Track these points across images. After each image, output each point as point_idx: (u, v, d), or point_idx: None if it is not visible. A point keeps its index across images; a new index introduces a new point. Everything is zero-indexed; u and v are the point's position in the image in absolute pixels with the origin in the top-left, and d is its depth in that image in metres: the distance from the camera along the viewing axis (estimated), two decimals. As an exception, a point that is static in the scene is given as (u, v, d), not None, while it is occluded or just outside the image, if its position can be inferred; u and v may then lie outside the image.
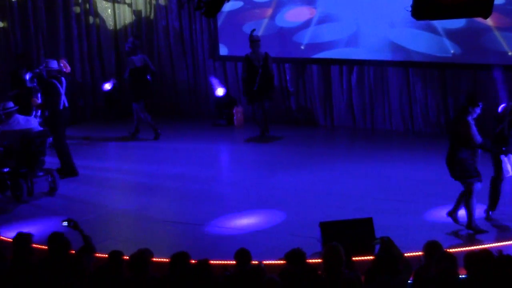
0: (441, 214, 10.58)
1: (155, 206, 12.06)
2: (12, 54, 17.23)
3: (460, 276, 6.87)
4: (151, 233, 10.81)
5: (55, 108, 13.34)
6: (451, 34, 14.63)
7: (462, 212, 10.22)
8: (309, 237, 9.79)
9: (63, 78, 13.48)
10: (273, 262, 8.72)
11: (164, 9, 17.76)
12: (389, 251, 7.22)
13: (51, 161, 13.38)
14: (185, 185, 12.86)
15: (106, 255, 7.56)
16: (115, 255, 7.42)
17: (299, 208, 11.42)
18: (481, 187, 10.06)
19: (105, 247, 8.74)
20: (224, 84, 17.21)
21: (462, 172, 9.97)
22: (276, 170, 13.44)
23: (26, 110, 14.02)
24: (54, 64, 13.52)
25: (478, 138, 9.86)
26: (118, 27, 18.09)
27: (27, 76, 14.67)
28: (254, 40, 15.17)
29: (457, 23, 14.37)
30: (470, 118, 9.86)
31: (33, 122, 12.83)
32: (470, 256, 6.95)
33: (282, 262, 7.72)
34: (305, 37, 16.09)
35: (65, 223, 8.15)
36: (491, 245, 9.29)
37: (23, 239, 7.75)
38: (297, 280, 7.00)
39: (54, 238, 7.77)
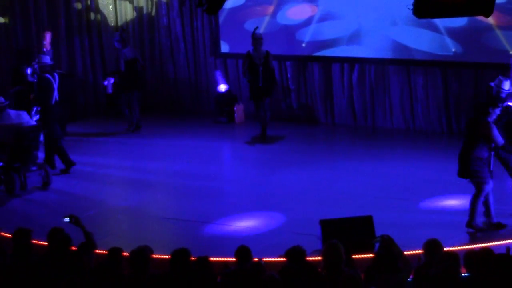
0: (441, 212, 10.57)
1: (156, 203, 12.07)
2: (13, 50, 17.20)
3: (461, 274, 6.87)
4: (151, 230, 10.82)
5: (46, 103, 13.32)
6: (453, 33, 14.62)
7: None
8: (309, 234, 9.77)
9: (56, 74, 13.51)
10: (273, 259, 8.72)
11: (166, 6, 17.74)
12: (389, 249, 7.21)
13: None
14: (186, 182, 12.86)
15: (106, 252, 7.56)
16: (115, 251, 7.42)
17: (300, 206, 11.41)
18: (492, 187, 10.02)
19: (105, 244, 8.70)
20: (226, 81, 17.18)
21: (474, 171, 9.93)
22: (277, 167, 13.43)
23: (27, 106, 14.01)
24: (47, 59, 13.54)
25: (500, 140, 9.85)
26: (119, 23, 18.06)
27: (28, 71, 14.68)
28: (256, 38, 15.11)
29: (459, 22, 14.36)
30: (490, 119, 9.85)
31: (25, 117, 12.78)
32: (470, 254, 6.95)
33: (282, 259, 7.72)
34: (307, 35, 16.07)
35: (66, 219, 8.13)
36: (494, 243, 9.26)
37: (23, 234, 7.74)
38: (297, 278, 7.00)
39: (54, 234, 7.77)
